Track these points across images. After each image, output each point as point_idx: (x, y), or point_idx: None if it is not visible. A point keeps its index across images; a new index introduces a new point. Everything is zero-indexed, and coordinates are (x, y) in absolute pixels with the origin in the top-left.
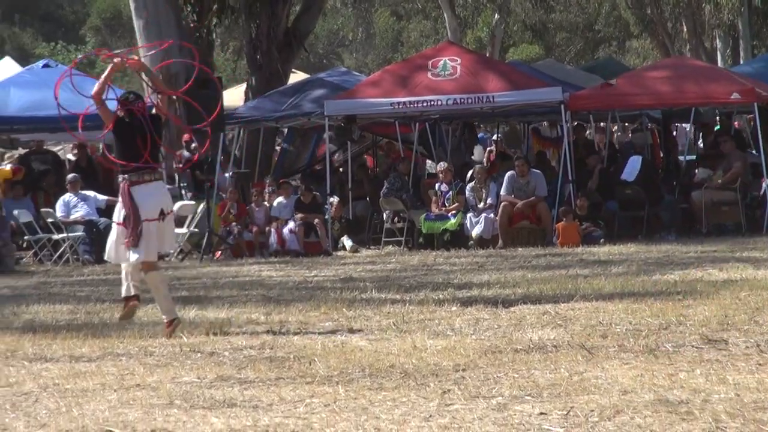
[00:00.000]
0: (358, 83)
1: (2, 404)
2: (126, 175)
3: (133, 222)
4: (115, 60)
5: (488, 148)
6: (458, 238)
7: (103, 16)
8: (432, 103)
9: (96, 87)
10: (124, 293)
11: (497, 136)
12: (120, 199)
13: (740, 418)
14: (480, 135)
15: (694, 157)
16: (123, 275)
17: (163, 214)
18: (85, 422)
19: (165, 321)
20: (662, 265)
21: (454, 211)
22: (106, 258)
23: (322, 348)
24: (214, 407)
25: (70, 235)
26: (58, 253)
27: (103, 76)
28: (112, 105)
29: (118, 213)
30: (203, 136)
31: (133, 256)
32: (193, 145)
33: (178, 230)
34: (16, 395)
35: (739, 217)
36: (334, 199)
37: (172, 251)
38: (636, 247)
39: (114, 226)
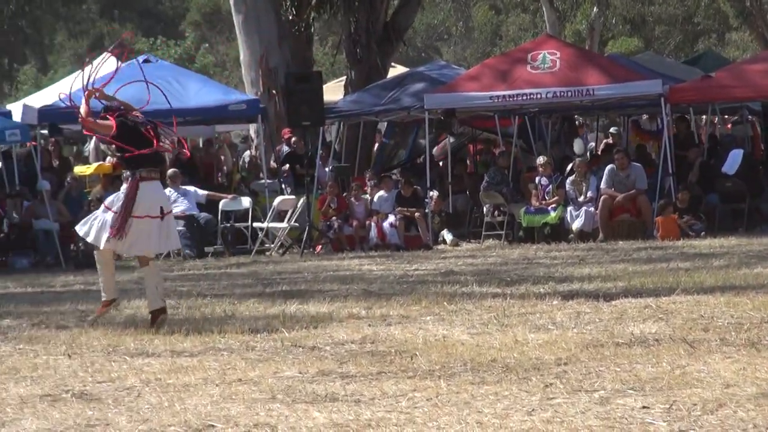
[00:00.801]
0: (457, 77)
1: (105, 399)
2: (138, 170)
3: (124, 216)
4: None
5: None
6: (558, 232)
7: (202, 11)
8: (531, 96)
9: (83, 116)
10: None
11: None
12: (124, 190)
13: None
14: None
15: None
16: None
17: (163, 213)
18: (188, 417)
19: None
20: (764, 257)
21: (554, 205)
22: (82, 234)
23: (423, 342)
24: (316, 402)
25: None
26: None
27: (82, 108)
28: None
29: (115, 201)
30: (303, 131)
31: (114, 245)
32: (293, 139)
33: (278, 224)
34: (118, 390)
35: None
36: (434, 193)
37: (176, 249)
38: (737, 240)
39: (104, 210)
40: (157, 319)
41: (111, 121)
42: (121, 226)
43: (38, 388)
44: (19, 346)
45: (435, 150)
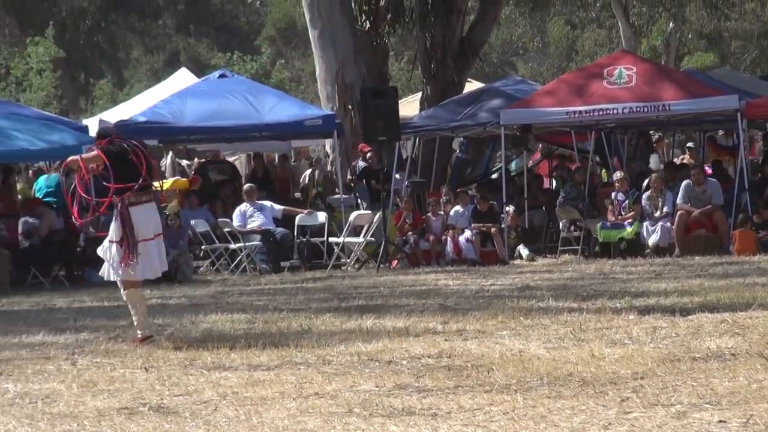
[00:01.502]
0: (533, 92)
1: (182, 412)
2: (124, 197)
3: (130, 242)
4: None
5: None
6: (635, 247)
7: (277, 26)
8: (607, 111)
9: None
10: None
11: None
12: (117, 219)
13: None
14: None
15: None
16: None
17: (155, 235)
18: (264, 430)
19: (139, 337)
20: None
21: (630, 220)
22: (101, 274)
23: (500, 356)
24: (393, 416)
25: (246, 244)
26: (234, 263)
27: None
28: None
29: (115, 232)
30: (379, 147)
31: (127, 274)
32: (369, 154)
33: (354, 239)
34: (195, 404)
35: None
36: (511, 208)
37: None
38: None
39: (108, 244)
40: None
41: (97, 152)
42: (128, 252)
43: (115, 401)
44: (96, 360)
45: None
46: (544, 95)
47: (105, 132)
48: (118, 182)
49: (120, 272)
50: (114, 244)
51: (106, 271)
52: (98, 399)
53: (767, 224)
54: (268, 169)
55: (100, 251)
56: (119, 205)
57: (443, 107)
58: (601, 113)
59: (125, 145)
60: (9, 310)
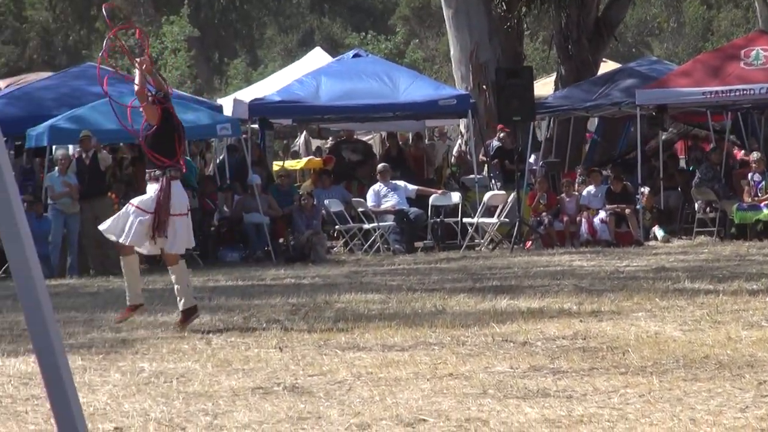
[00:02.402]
0: (669, 72)
1: (316, 392)
2: (167, 170)
3: (163, 214)
4: (140, 64)
5: None
6: None
7: (411, 6)
8: (744, 92)
9: (138, 87)
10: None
11: None
12: (156, 189)
13: None
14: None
15: None
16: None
17: (188, 210)
18: (399, 411)
19: (181, 311)
20: None
21: (766, 202)
22: (112, 237)
23: (635, 338)
24: (528, 397)
25: (380, 224)
26: (368, 243)
27: (138, 77)
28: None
29: (149, 202)
30: (514, 127)
31: (158, 246)
32: (502, 135)
33: (488, 220)
34: (329, 384)
35: None
36: (646, 189)
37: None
38: None
39: (134, 210)
40: (189, 317)
41: (158, 110)
42: (161, 224)
43: (250, 381)
44: (231, 339)
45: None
46: (680, 75)
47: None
48: (168, 154)
49: (131, 238)
50: (140, 212)
51: (126, 237)
52: (233, 378)
53: None
54: (402, 149)
55: (106, 230)
56: (163, 178)
57: (578, 87)
58: (737, 94)
59: (174, 121)
60: (144, 288)
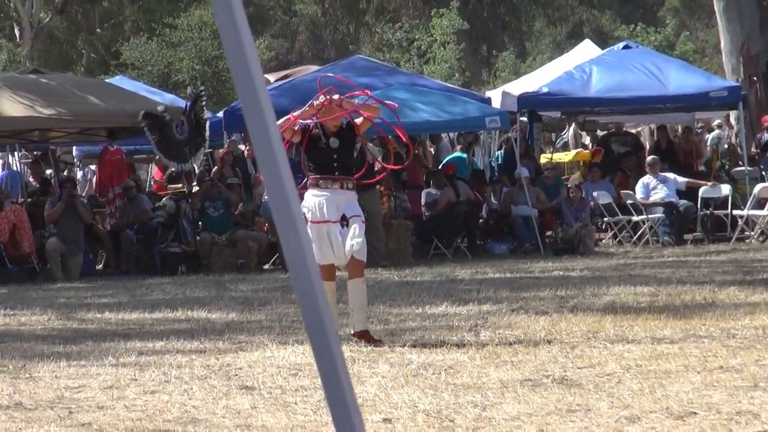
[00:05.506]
0: None
1: (585, 384)
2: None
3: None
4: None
5: None
6: None
7: None
8: None
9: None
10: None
11: None
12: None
13: None
14: None
15: None
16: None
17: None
18: (669, 404)
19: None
20: None
21: None
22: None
23: None
24: None
25: (649, 216)
26: (637, 235)
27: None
28: None
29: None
30: None
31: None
32: None
33: (758, 212)
34: (598, 376)
35: None
36: None
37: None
38: None
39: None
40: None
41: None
42: None
43: (518, 373)
44: (499, 331)
45: None
46: None
47: None
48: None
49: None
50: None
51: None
52: (501, 370)
53: None
54: (671, 141)
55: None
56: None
57: None
58: None
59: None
60: (412, 280)
